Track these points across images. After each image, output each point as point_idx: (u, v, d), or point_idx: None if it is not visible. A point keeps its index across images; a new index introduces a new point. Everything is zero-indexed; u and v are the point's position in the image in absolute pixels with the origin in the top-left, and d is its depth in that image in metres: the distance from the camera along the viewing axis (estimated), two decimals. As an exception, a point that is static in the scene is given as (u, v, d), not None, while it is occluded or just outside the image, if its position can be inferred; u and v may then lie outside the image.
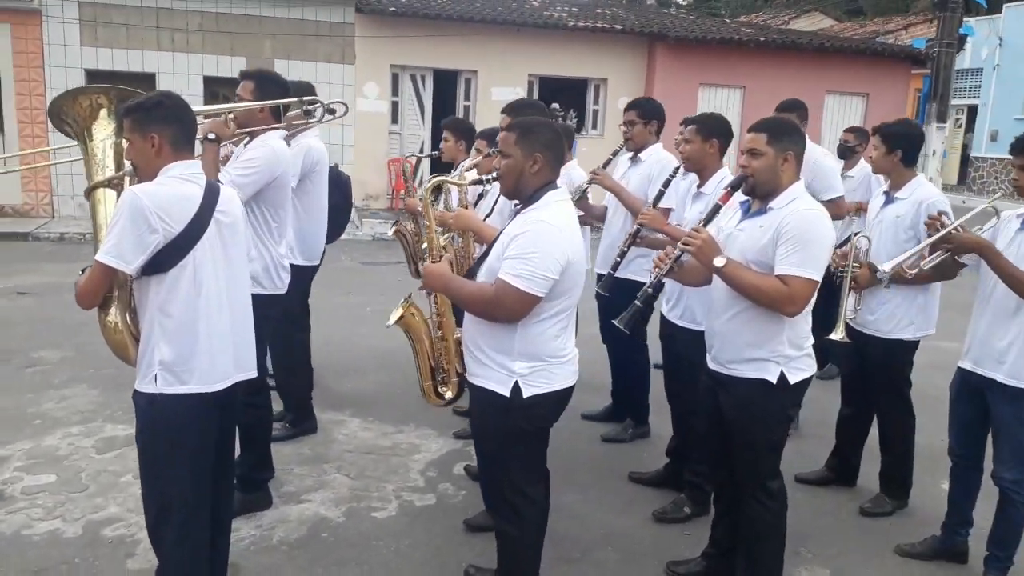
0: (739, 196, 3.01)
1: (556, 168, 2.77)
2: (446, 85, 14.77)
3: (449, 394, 3.01)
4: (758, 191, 2.91)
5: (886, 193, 3.97)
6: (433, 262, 2.81)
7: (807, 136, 4.97)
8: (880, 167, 4.00)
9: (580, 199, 4.91)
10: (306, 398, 4.65)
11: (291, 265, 4.41)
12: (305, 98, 3.76)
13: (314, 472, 4.22)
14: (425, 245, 4.65)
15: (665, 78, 15.09)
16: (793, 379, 2.90)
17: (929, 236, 3.44)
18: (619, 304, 3.32)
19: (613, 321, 3.05)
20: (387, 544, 3.58)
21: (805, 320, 2.91)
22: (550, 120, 2.81)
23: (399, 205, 14.11)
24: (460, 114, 14.82)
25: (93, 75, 12.62)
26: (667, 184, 4.08)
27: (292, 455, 4.39)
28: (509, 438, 2.75)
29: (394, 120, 14.58)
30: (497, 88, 14.67)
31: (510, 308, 2.61)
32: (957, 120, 23.83)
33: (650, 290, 2.96)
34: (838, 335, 3.56)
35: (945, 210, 3.56)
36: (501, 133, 2.82)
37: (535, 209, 2.70)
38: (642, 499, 4.06)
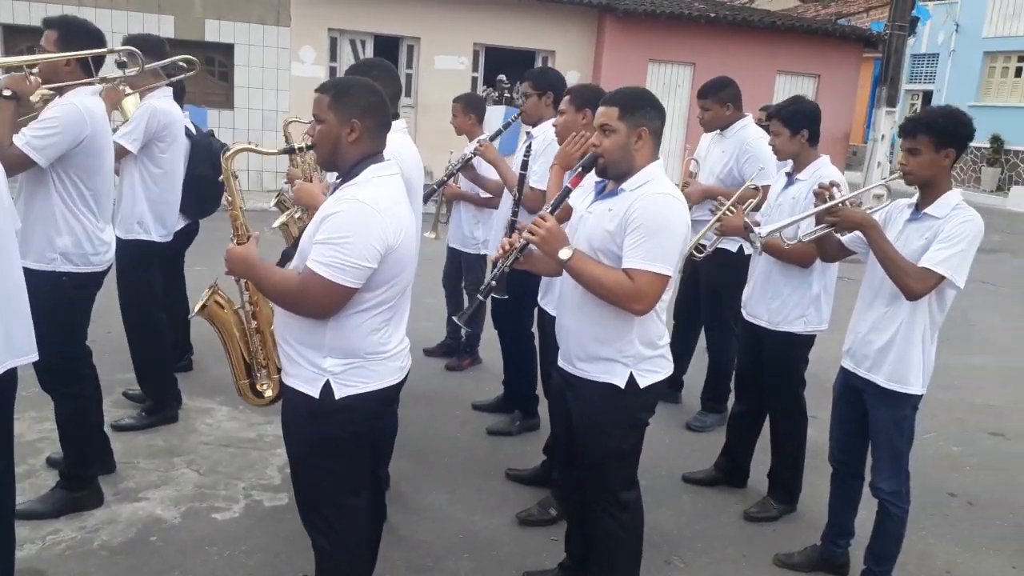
0: (596, 175, 2.70)
1: (379, 137, 2.42)
2: (387, 52, 14.20)
3: (269, 393, 2.67)
4: (610, 171, 2.60)
5: (788, 174, 3.72)
6: (239, 243, 2.45)
7: (748, 116, 4.80)
8: (786, 152, 3.68)
9: (464, 169, 4.63)
10: (164, 384, 4.27)
11: (141, 241, 4.06)
12: (119, 48, 3.33)
13: (161, 466, 3.86)
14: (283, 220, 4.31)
15: (613, 52, 14.74)
16: (644, 382, 2.62)
17: (816, 207, 3.13)
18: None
19: (453, 317, 2.72)
20: (220, 550, 3.24)
21: (658, 316, 2.62)
22: (371, 82, 2.45)
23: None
24: (402, 83, 14.33)
25: (8, 29, 11.92)
26: (528, 151, 3.85)
27: (142, 447, 4.02)
28: (320, 446, 2.41)
29: (332, 86, 14.01)
30: (441, 56, 14.22)
31: (316, 301, 2.27)
32: (912, 105, 23.86)
33: (493, 283, 2.63)
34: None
35: (839, 183, 3.28)
36: (315, 95, 2.46)
37: (352, 185, 2.35)
38: (515, 499, 3.77)
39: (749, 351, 3.89)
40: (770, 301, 3.65)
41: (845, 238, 3.13)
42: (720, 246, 4.34)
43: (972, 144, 17.24)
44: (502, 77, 15.27)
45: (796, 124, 3.60)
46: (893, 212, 3.07)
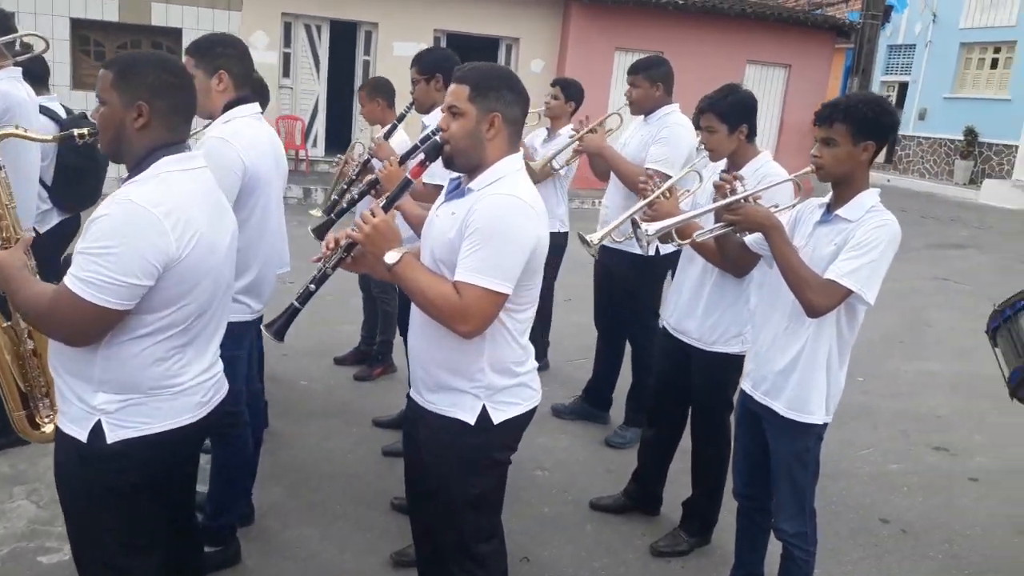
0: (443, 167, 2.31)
1: (175, 124, 2.02)
2: (344, 37, 13.78)
3: (50, 428, 2.26)
4: (456, 162, 2.20)
5: (725, 172, 3.31)
6: (3, 247, 2.05)
7: (675, 104, 4.44)
8: (722, 151, 3.21)
9: (364, 171, 4.24)
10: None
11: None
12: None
13: None
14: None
15: (579, 40, 14.32)
16: (499, 416, 2.24)
17: (715, 201, 2.70)
18: None
19: (262, 326, 2.32)
20: (40, 599, 2.85)
21: (514, 339, 2.24)
22: (167, 57, 2.05)
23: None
24: (359, 70, 13.91)
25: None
26: (424, 140, 3.50)
27: (-13, 472, 3.62)
28: (92, 498, 2.02)
29: (286, 74, 13.55)
30: (400, 43, 13.73)
31: (67, 322, 1.87)
32: (888, 96, 23.57)
33: (312, 287, 2.23)
34: (592, 240, 3.06)
35: (773, 182, 2.88)
36: (100, 71, 2.06)
37: (133, 183, 1.96)
38: (396, 534, 3.37)
39: (671, 368, 3.48)
40: (703, 318, 3.24)
41: (748, 239, 2.75)
42: (631, 249, 3.98)
43: (946, 136, 17.03)
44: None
45: (735, 119, 3.16)
46: (804, 212, 2.69)
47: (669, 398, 3.56)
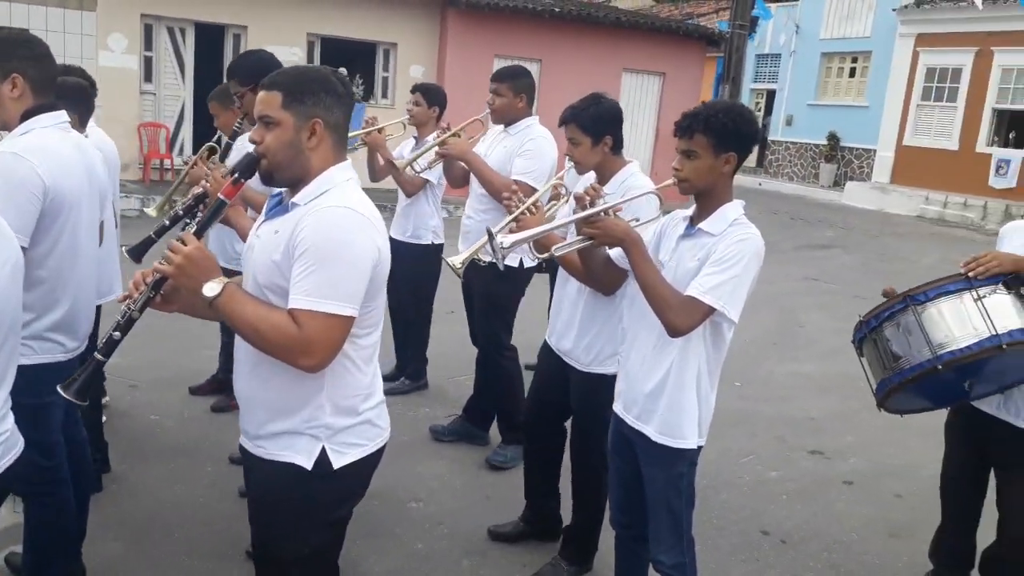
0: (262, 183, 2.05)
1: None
2: (211, 41, 13.08)
3: None
4: (276, 177, 1.95)
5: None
6: None
7: (535, 117, 4.31)
8: (588, 163, 3.10)
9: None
10: None
11: None
12: None
13: None
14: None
15: (458, 46, 14.14)
16: (341, 460, 1.99)
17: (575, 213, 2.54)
18: None
19: (58, 387, 1.98)
20: None
21: (359, 368, 1.99)
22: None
23: (150, 177, 12.40)
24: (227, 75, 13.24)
25: None
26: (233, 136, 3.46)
27: None
28: None
29: (147, 79, 12.73)
30: (272, 47, 12.97)
31: None
32: (757, 104, 24.57)
33: (116, 334, 1.92)
34: (455, 264, 3.01)
35: (633, 194, 2.75)
36: None
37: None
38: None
39: (548, 383, 3.34)
40: (578, 337, 3.11)
41: (612, 253, 2.60)
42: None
43: (811, 141, 17.79)
44: (341, 70, 14.39)
45: (598, 130, 3.04)
46: (668, 226, 2.57)
47: (545, 414, 3.41)
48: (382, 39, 14.12)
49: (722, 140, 2.34)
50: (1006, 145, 17.42)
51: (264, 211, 2.04)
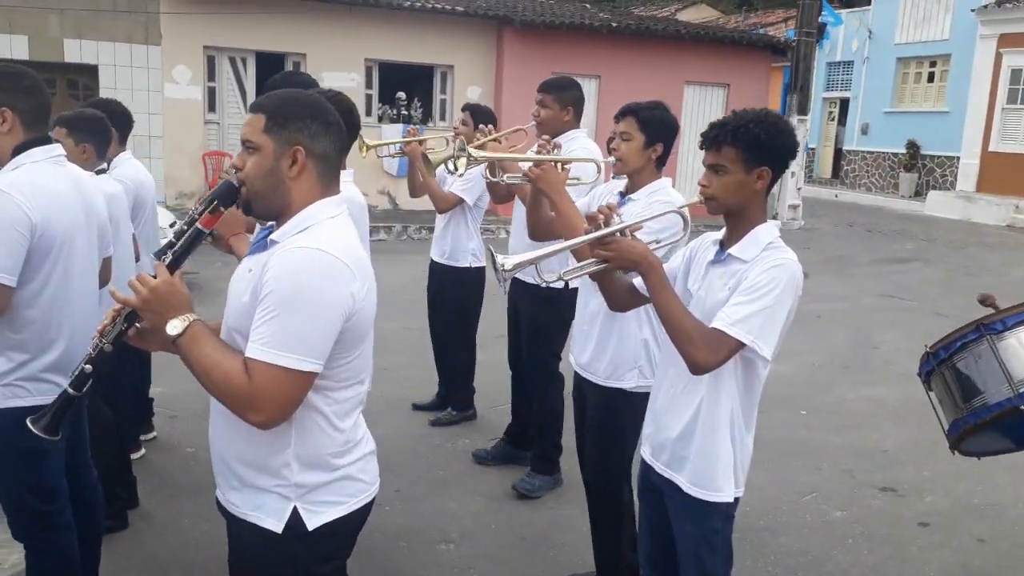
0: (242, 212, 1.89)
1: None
2: (271, 69, 13.26)
3: None
4: (256, 208, 1.78)
5: (622, 193, 2.99)
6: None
7: (583, 130, 4.09)
8: (631, 162, 2.90)
9: None
10: None
11: None
12: None
13: None
14: None
15: (515, 66, 14.05)
16: (316, 520, 1.78)
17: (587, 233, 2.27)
18: None
19: (27, 421, 1.85)
20: None
21: (331, 424, 1.78)
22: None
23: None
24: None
25: None
26: None
27: None
28: None
29: (211, 108, 13.03)
30: (330, 73, 13.30)
31: None
32: (830, 113, 23.75)
33: (86, 367, 1.77)
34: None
35: (653, 213, 2.50)
36: None
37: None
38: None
39: (577, 409, 3.17)
40: (597, 350, 2.95)
41: (638, 282, 2.35)
42: (537, 281, 3.61)
43: (889, 150, 17.14)
44: (400, 95, 14.51)
45: (655, 133, 2.87)
46: (698, 250, 2.30)
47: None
48: (439, 62, 14.15)
49: (754, 153, 2.08)
50: (1101, 147, 16.31)
51: (251, 245, 1.88)
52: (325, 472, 1.78)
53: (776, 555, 3.60)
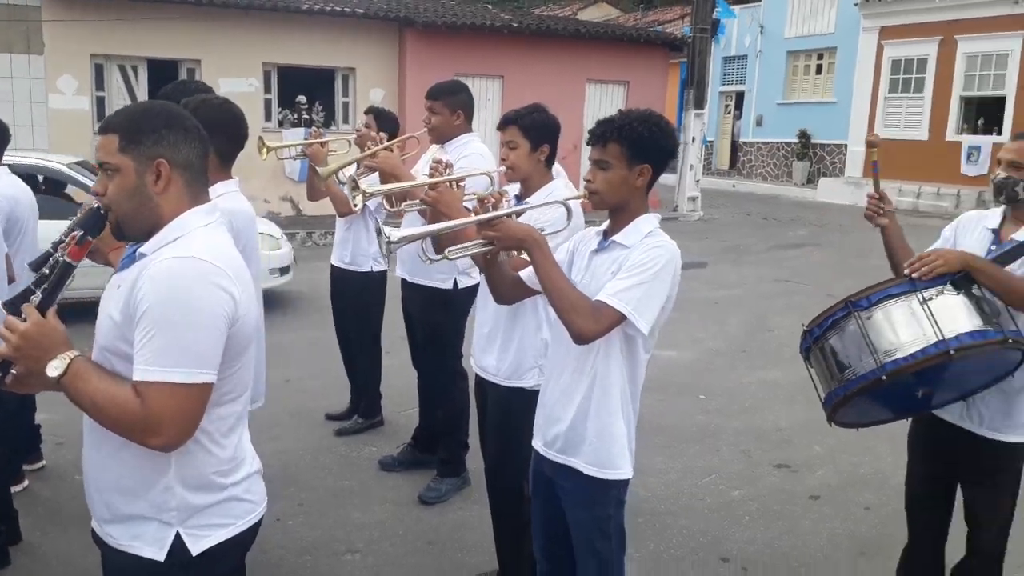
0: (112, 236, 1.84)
1: None
2: (165, 77, 12.82)
3: None
4: (127, 231, 1.74)
5: (517, 197, 3.03)
6: None
7: (475, 133, 4.12)
8: (521, 169, 2.97)
9: None
10: None
11: None
12: None
13: None
14: None
15: (418, 67, 13.98)
16: (200, 545, 1.74)
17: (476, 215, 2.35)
18: None
19: None
20: None
21: (216, 440, 1.75)
22: None
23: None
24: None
25: None
26: None
27: None
28: None
29: (100, 119, 12.50)
30: (227, 79, 12.97)
31: None
32: (727, 106, 24.56)
33: None
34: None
35: (545, 203, 2.64)
36: None
37: None
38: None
39: (479, 410, 3.25)
40: (501, 351, 2.98)
41: (524, 274, 2.40)
42: (429, 283, 3.86)
43: (782, 140, 17.85)
44: (301, 98, 14.26)
45: (538, 137, 2.95)
46: (580, 244, 2.41)
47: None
48: (340, 64, 13.97)
49: (637, 151, 2.19)
50: (975, 132, 17.39)
51: (120, 262, 1.82)
52: (209, 493, 1.75)
53: (678, 537, 3.72)
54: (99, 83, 12.43)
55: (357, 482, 4.21)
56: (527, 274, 2.39)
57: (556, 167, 3.13)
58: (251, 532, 1.87)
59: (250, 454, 1.88)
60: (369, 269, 4.69)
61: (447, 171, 2.95)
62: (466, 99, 3.95)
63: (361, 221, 4.62)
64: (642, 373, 2.29)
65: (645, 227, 2.24)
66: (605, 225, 2.33)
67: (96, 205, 1.74)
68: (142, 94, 12.66)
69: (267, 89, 13.60)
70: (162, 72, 12.80)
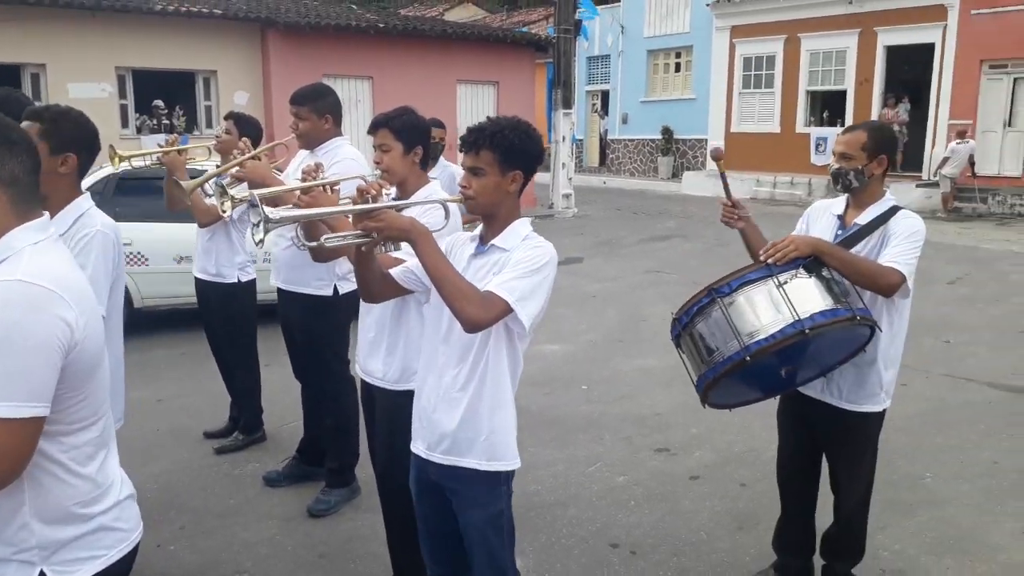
0: None
1: None
2: (6, 83, 11.93)
3: None
4: None
5: (396, 198, 3.00)
6: None
7: (345, 136, 4.05)
8: (397, 172, 2.97)
9: None
10: None
11: None
12: None
13: None
14: None
15: (283, 68, 13.65)
16: None
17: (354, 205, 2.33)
18: None
19: None
20: None
21: (72, 470, 1.62)
22: None
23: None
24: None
25: None
26: None
27: None
28: None
29: (-69, 129, 11.50)
30: (76, 84, 12.25)
31: None
32: (593, 105, 25.25)
33: None
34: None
35: (427, 201, 2.68)
36: None
37: None
38: None
39: (367, 416, 3.20)
40: (388, 355, 2.95)
41: (397, 272, 2.38)
42: (307, 291, 3.82)
43: (647, 137, 18.52)
44: (158, 103, 13.62)
45: (411, 138, 2.95)
46: (455, 246, 2.43)
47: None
48: (200, 67, 13.45)
49: (509, 157, 2.24)
50: (821, 124, 18.64)
51: None
52: (73, 526, 1.64)
53: (567, 527, 3.81)
54: (-73, 90, 11.41)
55: (242, 500, 4.07)
56: (399, 271, 2.39)
57: (446, 162, 3.15)
58: (126, 562, 1.77)
59: (119, 479, 1.78)
60: (236, 280, 4.54)
61: (319, 174, 2.92)
62: (333, 102, 3.89)
63: (223, 231, 4.46)
64: (521, 364, 2.35)
65: (522, 231, 2.31)
66: (479, 231, 2.37)
67: None
68: (-22, 101, 11.72)
69: (122, 94, 12.91)
70: (3, 78, 11.90)
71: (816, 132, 18.41)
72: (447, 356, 2.30)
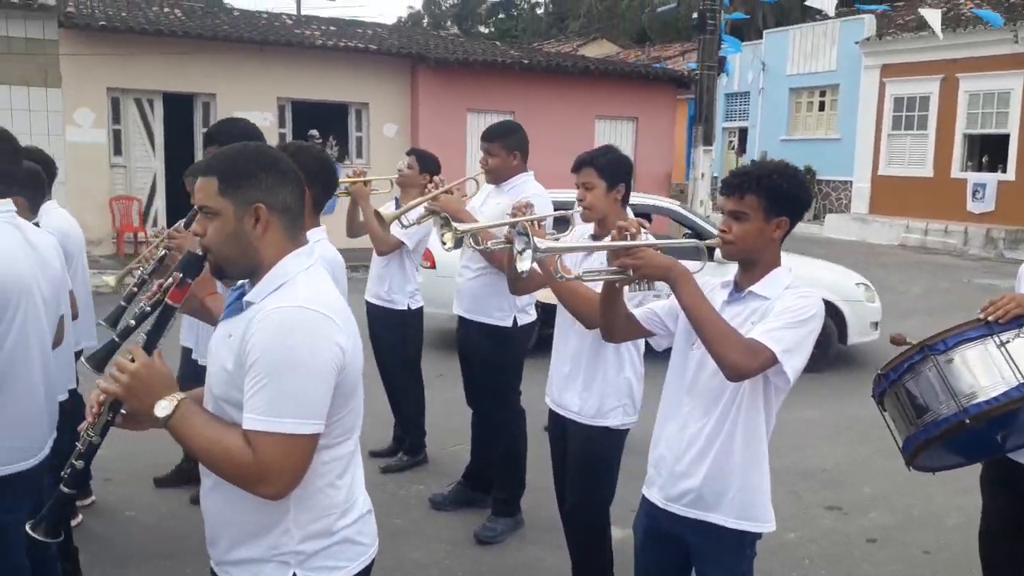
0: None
1: None
2: (180, 110, 12.96)
3: None
4: (228, 272, 1.76)
5: (593, 236, 3.07)
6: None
7: (530, 172, 4.13)
8: (598, 209, 3.02)
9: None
10: None
11: None
12: None
13: None
14: None
15: (430, 102, 14.12)
16: None
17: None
18: None
19: (27, 528, 1.75)
20: None
21: (331, 482, 1.73)
22: None
23: (124, 251, 12.13)
24: (200, 142, 13.11)
25: None
26: None
27: None
28: None
29: (117, 152, 12.57)
30: (242, 113, 13.01)
31: None
32: (731, 143, 24.81)
33: (78, 463, 1.69)
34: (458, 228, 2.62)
35: (688, 243, 2.61)
36: None
37: None
38: None
39: (560, 449, 3.21)
40: (583, 389, 2.98)
41: (639, 312, 2.37)
42: (489, 321, 3.90)
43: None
44: (313, 132, 14.35)
45: (614, 176, 2.99)
46: (704, 291, 2.38)
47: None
48: (353, 99, 14.09)
49: (775, 203, 2.15)
50: (980, 169, 17.57)
51: (225, 308, 1.82)
52: (324, 538, 1.73)
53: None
54: (115, 116, 12.50)
55: (408, 521, 4.15)
56: (642, 313, 2.36)
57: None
58: (363, 575, 1.84)
59: (362, 495, 1.87)
60: (406, 307, 4.67)
61: (528, 211, 2.99)
62: (522, 139, 3.99)
63: (398, 260, 4.61)
64: (774, 420, 2.25)
65: (785, 279, 2.20)
66: (732, 277, 2.29)
67: (195, 247, 1.76)
68: (158, 127, 12.74)
69: (281, 123, 13.69)
70: (178, 105, 12.90)
71: (974, 178, 17.35)
72: (691, 407, 2.22)
